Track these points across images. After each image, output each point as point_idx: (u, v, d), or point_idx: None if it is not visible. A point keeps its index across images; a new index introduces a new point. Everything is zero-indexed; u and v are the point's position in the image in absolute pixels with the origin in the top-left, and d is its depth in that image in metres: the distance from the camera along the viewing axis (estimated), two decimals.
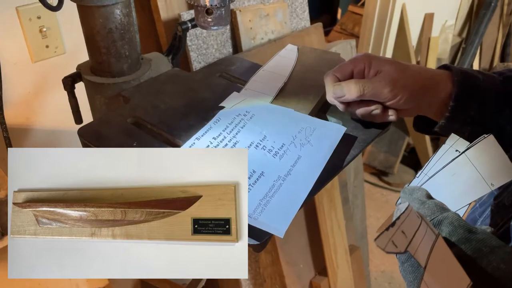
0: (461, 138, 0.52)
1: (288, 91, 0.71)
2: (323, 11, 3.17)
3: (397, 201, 0.50)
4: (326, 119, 0.67)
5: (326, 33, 2.66)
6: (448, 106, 0.57)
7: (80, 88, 0.80)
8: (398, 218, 0.38)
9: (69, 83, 0.79)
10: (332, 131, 0.62)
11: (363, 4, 2.59)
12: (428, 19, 2.37)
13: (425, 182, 0.50)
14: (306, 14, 1.44)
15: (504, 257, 0.39)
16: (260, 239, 0.49)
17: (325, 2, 3.16)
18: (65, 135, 1.14)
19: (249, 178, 0.54)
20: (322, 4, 3.16)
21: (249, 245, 0.49)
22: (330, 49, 1.48)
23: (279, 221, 0.49)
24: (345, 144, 0.61)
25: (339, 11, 3.11)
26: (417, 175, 0.52)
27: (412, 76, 0.58)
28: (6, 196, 0.80)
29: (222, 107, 0.67)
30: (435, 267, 0.37)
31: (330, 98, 0.63)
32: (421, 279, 0.38)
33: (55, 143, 1.15)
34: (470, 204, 0.47)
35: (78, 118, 0.85)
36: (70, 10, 0.75)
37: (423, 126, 0.65)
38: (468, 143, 0.50)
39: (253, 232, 0.49)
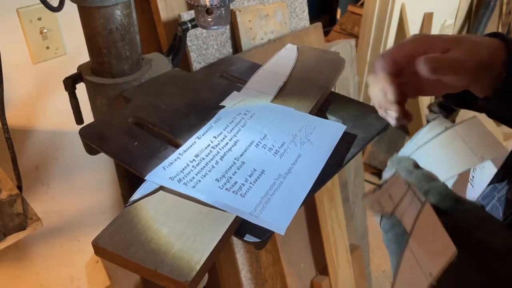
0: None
1: (288, 90, 0.71)
2: (322, 11, 3.18)
3: (383, 170, 0.49)
4: (326, 118, 0.68)
5: (326, 33, 2.67)
6: (500, 79, 0.50)
7: (81, 89, 0.81)
8: (385, 182, 0.38)
9: (70, 84, 0.80)
10: (332, 130, 0.62)
11: (362, 4, 2.60)
12: (428, 18, 2.38)
13: (414, 152, 0.49)
14: (306, 14, 1.44)
15: (492, 228, 0.38)
16: (261, 236, 0.49)
17: (325, 2, 3.17)
18: (66, 136, 1.15)
19: (249, 176, 0.54)
20: (322, 4, 3.16)
21: (250, 242, 0.50)
22: (329, 49, 1.48)
23: (280, 218, 0.49)
24: (345, 143, 0.61)
25: (339, 11, 3.11)
26: (405, 145, 0.50)
27: (477, 54, 0.49)
28: (7, 197, 0.81)
29: (223, 107, 0.67)
30: (421, 233, 0.37)
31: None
32: (405, 245, 0.37)
33: (57, 144, 1.15)
34: (458, 174, 0.46)
35: (79, 118, 0.85)
36: (71, 12, 0.75)
37: (456, 100, 0.57)
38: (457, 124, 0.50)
39: (254, 229, 0.50)
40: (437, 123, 0.50)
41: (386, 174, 0.41)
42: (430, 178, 0.42)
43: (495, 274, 0.36)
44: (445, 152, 0.47)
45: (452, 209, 0.39)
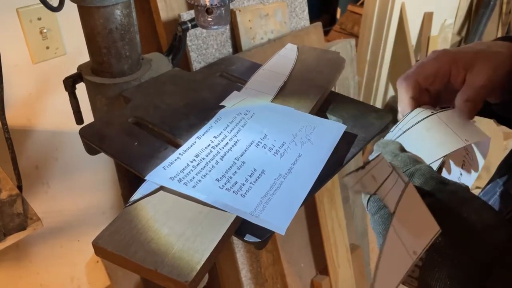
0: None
1: (288, 90, 0.71)
2: (322, 11, 3.18)
3: (369, 154, 0.49)
4: (326, 118, 0.68)
5: (326, 33, 2.67)
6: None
7: (81, 89, 0.81)
8: (368, 162, 0.38)
9: (70, 84, 0.80)
10: (332, 129, 0.62)
11: (362, 4, 2.60)
12: (428, 18, 2.38)
13: (399, 136, 0.50)
14: (306, 14, 1.44)
15: (476, 208, 0.38)
16: (261, 236, 0.49)
17: (325, 2, 3.17)
18: (66, 136, 1.15)
19: (250, 176, 0.54)
20: (322, 4, 3.16)
21: (250, 242, 0.50)
22: (329, 48, 1.48)
23: (280, 218, 0.49)
24: (345, 142, 0.61)
25: (339, 10, 3.11)
26: (391, 130, 0.51)
27: (501, 63, 0.49)
28: (7, 197, 0.81)
29: (223, 106, 0.67)
30: (404, 213, 0.37)
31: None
32: (389, 224, 0.37)
33: (56, 144, 1.15)
34: (444, 157, 0.46)
35: (79, 118, 0.85)
36: (70, 12, 0.75)
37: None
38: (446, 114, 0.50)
39: (255, 229, 0.50)
40: (422, 109, 0.51)
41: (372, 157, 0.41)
42: (415, 161, 0.43)
43: (474, 253, 0.36)
44: (430, 135, 0.48)
45: (436, 190, 0.40)
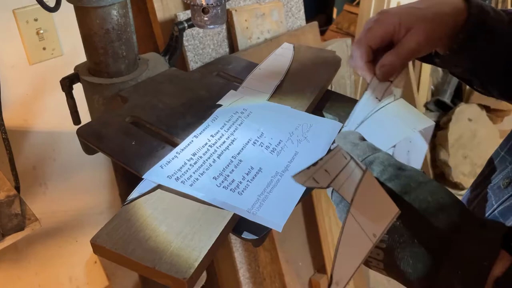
0: (380, 85, 0.57)
1: (285, 89, 0.71)
2: (318, 11, 3.18)
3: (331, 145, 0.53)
4: (322, 116, 0.68)
5: (322, 33, 2.66)
6: (457, 39, 0.55)
7: (78, 89, 0.81)
8: (321, 159, 0.40)
9: (67, 84, 0.80)
10: (328, 127, 0.62)
11: (358, 3, 2.60)
12: None
13: (357, 127, 0.54)
14: (302, 14, 1.45)
15: (431, 190, 0.40)
16: (259, 233, 0.50)
17: (321, 2, 3.17)
18: (63, 136, 1.15)
19: (247, 174, 0.55)
20: (318, 3, 3.16)
21: (248, 240, 0.50)
22: (325, 48, 1.48)
23: (277, 215, 0.49)
24: None
25: (335, 10, 3.12)
26: (345, 124, 0.55)
27: (442, 23, 0.54)
28: (5, 197, 0.81)
29: (220, 105, 0.67)
30: (363, 200, 0.39)
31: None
32: (347, 212, 0.39)
33: (54, 144, 1.15)
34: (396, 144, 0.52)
35: (76, 119, 0.85)
36: (67, 12, 0.76)
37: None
38: (385, 88, 0.56)
39: (252, 227, 0.50)
40: (368, 94, 0.56)
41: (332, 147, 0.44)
42: (374, 149, 0.45)
43: (432, 231, 0.38)
44: (383, 125, 0.53)
45: (394, 177, 0.41)
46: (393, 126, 0.53)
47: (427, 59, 0.61)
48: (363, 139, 0.48)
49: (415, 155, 0.55)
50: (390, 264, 0.40)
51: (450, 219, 0.38)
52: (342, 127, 0.57)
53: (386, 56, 0.55)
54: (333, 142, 0.54)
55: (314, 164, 0.39)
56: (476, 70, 0.59)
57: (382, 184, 0.41)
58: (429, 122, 0.54)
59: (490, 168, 0.58)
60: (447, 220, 0.38)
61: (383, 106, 0.55)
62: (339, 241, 0.38)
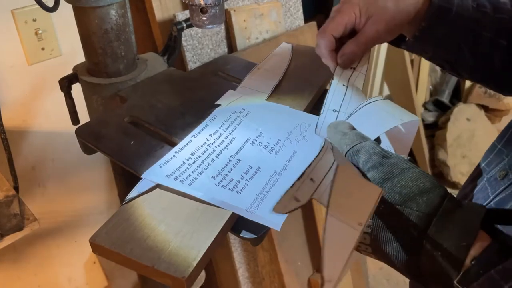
0: (344, 72, 0.60)
1: (283, 89, 0.71)
2: (317, 11, 3.18)
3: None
4: None
5: None
6: (420, 26, 0.57)
7: (76, 89, 0.81)
8: (304, 172, 0.43)
9: (65, 84, 0.80)
10: (326, 127, 0.62)
11: None
12: None
13: (348, 118, 0.57)
14: (300, 14, 1.45)
15: (412, 176, 0.41)
16: (257, 232, 0.50)
17: (319, 2, 3.17)
18: (62, 136, 1.15)
19: (245, 173, 0.55)
20: (316, 3, 3.17)
21: (246, 239, 0.50)
22: None
23: (276, 214, 0.49)
24: None
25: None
26: (321, 112, 0.59)
27: (402, 11, 0.57)
28: (4, 197, 0.81)
29: (218, 105, 0.67)
30: (341, 192, 0.40)
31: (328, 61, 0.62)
32: (325, 216, 0.40)
33: (52, 144, 1.15)
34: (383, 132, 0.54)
35: (75, 119, 0.85)
36: (65, 13, 0.76)
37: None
38: (349, 75, 0.61)
39: (250, 226, 0.50)
40: (335, 82, 0.59)
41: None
42: (362, 137, 0.47)
43: (413, 213, 0.40)
44: (371, 117, 0.56)
45: (378, 164, 0.43)
46: (381, 118, 0.55)
47: (395, 43, 0.63)
48: (353, 128, 0.49)
49: (400, 147, 0.58)
50: (377, 248, 0.42)
51: (430, 202, 0.40)
52: (319, 115, 0.60)
53: (346, 45, 0.58)
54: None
55: (299, 178, 0.41)
56: (442, 55, 0.61)
57: (366, 172, 0.43)
58: (414, 117, 0.57)
59: (486, 161, 0.59)
60: (427, 204, 0.40)
61: (371, 102, 0.58)
62: (324, 243, 0.39)
